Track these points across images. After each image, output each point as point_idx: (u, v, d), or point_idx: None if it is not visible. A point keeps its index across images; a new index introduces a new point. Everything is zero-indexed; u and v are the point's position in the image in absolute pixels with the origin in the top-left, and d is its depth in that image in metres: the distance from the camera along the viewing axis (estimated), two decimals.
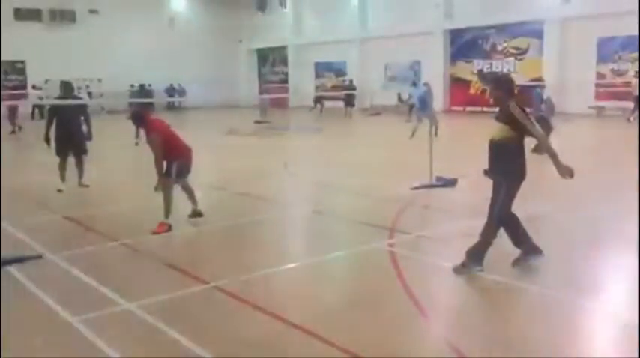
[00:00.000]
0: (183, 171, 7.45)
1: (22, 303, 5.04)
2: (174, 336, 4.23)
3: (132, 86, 31.23)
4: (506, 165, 5.35)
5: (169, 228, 7.23)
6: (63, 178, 9.99)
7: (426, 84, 18.84)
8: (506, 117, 5.28)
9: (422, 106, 17.36)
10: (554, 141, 11.90)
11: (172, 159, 7.28)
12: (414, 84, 29.38)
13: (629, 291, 5.01)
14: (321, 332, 4.22)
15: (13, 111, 21.62)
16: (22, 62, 33.70)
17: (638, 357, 3.78)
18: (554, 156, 5.15)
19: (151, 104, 17.33)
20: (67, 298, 5.03)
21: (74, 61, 32.38)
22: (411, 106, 24.33)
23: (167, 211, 7.27)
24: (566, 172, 5.14)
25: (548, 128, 12.96)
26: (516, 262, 5.56)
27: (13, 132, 21.06)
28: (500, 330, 4.39)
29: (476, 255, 5.45)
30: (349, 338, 4.16)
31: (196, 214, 7.61)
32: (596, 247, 6.35)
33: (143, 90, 19.71)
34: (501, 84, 5.56)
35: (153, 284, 5.47)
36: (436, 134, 15.75)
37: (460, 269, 5.46)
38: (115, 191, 10.36)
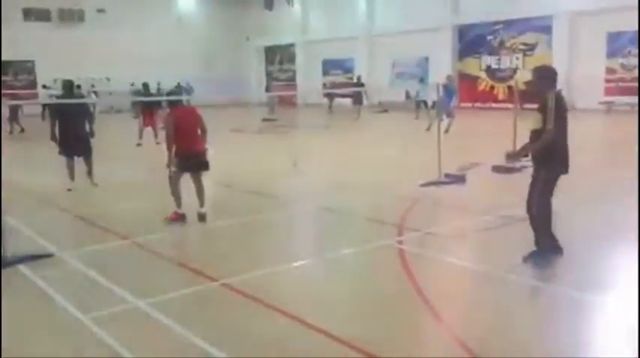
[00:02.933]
0: (187, 167, 7.56)
1: (32, 301, 5.08)
2: (184, 333, 4.24)
3: (132, 84, 31.27)
4: (544, 155, 5.35)
5: (183, 218, 7.46)
6: (72, 177, 10.04)
7: (448, 76, 18.93)
8: (545, 107, 5.30)
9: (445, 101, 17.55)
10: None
11: (175, 153, 7.48)
12: (422, 80, 29.34)
13: None
14: (331, 330, 4.22)
15: (14, 111, 21.14)
16: (32, 62, 33.91)
17: (638, 357, 3.75)
18: (531, 147, 5.40)
19: (155, 102, 17.36)
20: (78, 296, 5.07)
21: (83, 60, 32.59)
22: (419, 103, 24.32)
23: (176, 202, 7.51)
24: (513, 157, 5.84)
25: None
26: (528, 258, 5.53)
27: (11, 132, 20.62)
28: (513, 328, 4.37)
29: (544, 247, 5.45)
30: (359, 335, 4.16)
31: (200, 217, 7.59)
32: (613, 245, 6.27)
33: (146, 89, 19.45)
34: (546, 74, 5.55)
35: (163, 281, 5.49)
36: (447, 130, 15.81)
37: (528, 258, 5.45)
38: (124, 189, 10.40)
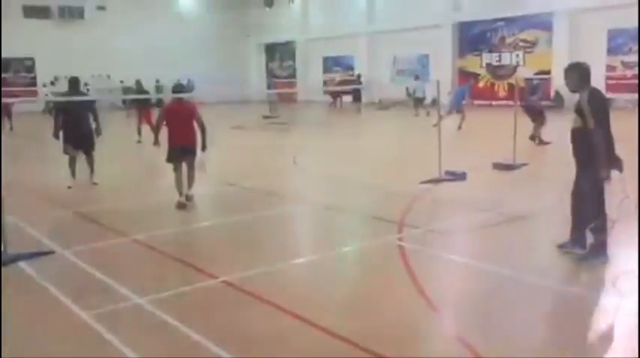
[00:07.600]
0: (176, 158, 8.22)
1: (33, 299, 5.08)
2: (185, 331, 4.25)
3: (121, 82, 31.24)
4: (584, 154, 5.31)
5: (181, 205, 8.08)
6: (73, 175, 10.04)
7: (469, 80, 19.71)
8: (580, 106, 5.29)
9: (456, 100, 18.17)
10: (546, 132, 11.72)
11: (168, 144, 8.20)
12: (417, 77, 29.31)
13: None
14: (332, 328, 4.23)
15: (7, 109, 20.41)
16: (31, 59, 33.90)
17: (638, 357, 3.74)
18: (601, 154, 5.18)
19: (147, 100, 17.40)
20: (79, 293, 5.06)
21: (83, 57, 32.54)
22: (417, 100, 24.33)
23: (178, 191, 8.18)
24: (607, 172, 5.21)
25: (541, 119, 12.84)
26: (565, 246, 5.59)
27: (12, 128, 20.50)
28: (514, 325, 4.36)
29: (600, 243, 5.45)
30: (360, 333, 4.16)
31: (187, 198, 8.20)
32: (613, 243, 6.25)
33: (139, 86, 19.32)
34: (581, 71, 5.48)
35: (163, 279, 5.50)
36: (460, 127, 17.15)
37: (586, 256, 5.44)
38: (124, 187, 10.40)
